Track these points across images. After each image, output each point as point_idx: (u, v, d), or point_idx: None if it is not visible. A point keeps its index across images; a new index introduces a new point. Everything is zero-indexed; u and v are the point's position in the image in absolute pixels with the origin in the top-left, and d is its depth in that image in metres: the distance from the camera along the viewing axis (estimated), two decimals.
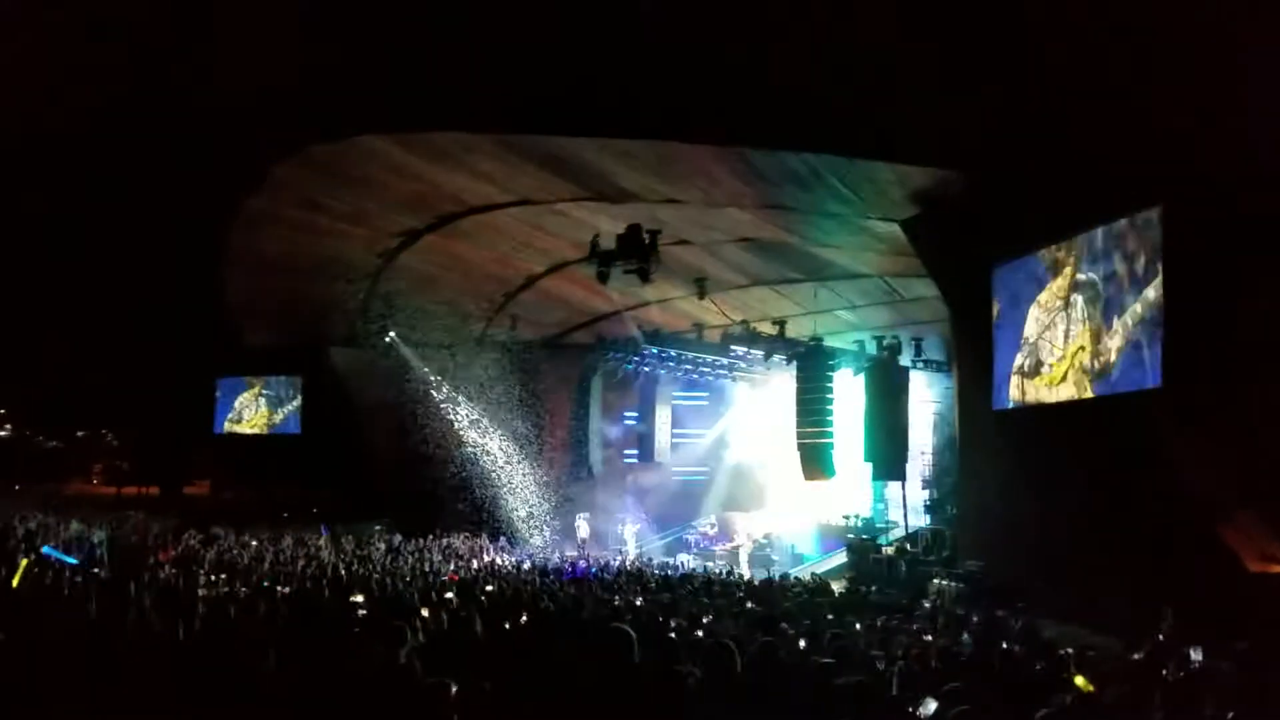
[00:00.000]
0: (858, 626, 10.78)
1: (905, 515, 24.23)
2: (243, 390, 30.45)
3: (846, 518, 25.24)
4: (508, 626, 8.08)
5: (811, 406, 22.57)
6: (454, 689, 4.68)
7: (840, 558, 23.69)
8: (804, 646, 7.96)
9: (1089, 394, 13.25)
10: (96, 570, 12.87)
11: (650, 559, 24.35)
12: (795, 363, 23.55)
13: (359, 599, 9.61)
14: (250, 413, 30.27)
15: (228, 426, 30.46)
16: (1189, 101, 10.71)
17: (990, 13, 10.99)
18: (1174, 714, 5.98)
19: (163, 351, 26.31)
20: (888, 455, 22.09)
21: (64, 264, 22.41)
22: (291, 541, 20.27)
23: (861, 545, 22.52)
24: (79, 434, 37.11)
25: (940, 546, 20.15)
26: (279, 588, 11.80)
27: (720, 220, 18.01)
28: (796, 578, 18.83)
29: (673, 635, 7.88)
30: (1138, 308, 12.27)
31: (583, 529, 26.79)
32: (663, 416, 31.19)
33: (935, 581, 17.51)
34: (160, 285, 23.18)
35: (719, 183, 15.37)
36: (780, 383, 27.44)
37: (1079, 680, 6.77)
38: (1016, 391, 14.97)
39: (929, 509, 23.91)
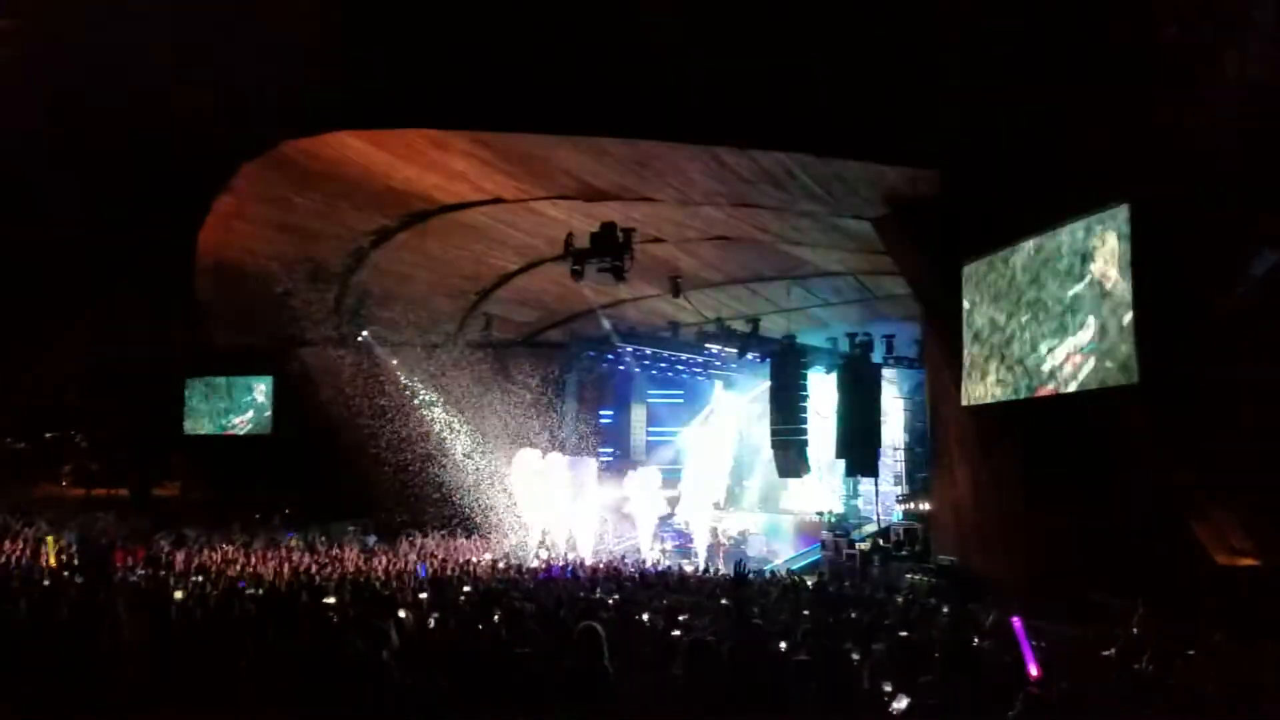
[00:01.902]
0: (832, 622, 10.83)
1: (878, 510, 24.41)
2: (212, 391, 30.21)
3: (821, 514, 25.38)
4: (481, 627, 8.06)
5: (785, 404, 22.68)
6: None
7: (815, 554, 23.81)
8: (779, 643, 7.99)
9: (1059, 390, 13.37)
10: (67, 573, 12.74)
11: (625, 556, 24.36)
12: (769, 360, 23.65)
13: (331, 600, 9.55)
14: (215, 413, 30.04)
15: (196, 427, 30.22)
16: (1156, 99, 10.84)
17: (959, 12, 11.08)
18: (1144, 707, 6.07)
19: (132, 352, 26.01)
20: (861, 451, 22.25)
21: (33, 264, 22.12)
22: (263, 543, 20.13)
23: (835, 541, 22.64)
24: (47, 435, 36.60)
25: (913, 541, 20.31)
26: (251, 590, 11.71)
27: (694, 218, 18.05)
28: (772, 574, 18.90)
29: (648, 633, 7.91)
30: (1108, 304, 12.39)
31: (562, 528, 26.74)
32: (638, 414, 31.22)
33: (908, 576, 17.66)
34: (128, 284, 22.93)
35: (693, 181, 15.40)
36: (754, 380, 27.54)
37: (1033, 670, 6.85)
38: (987, 387, 15.10)
39: (902, 504, 24.10)
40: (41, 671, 5.58)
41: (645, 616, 9.79)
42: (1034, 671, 6.88)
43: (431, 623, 8.29)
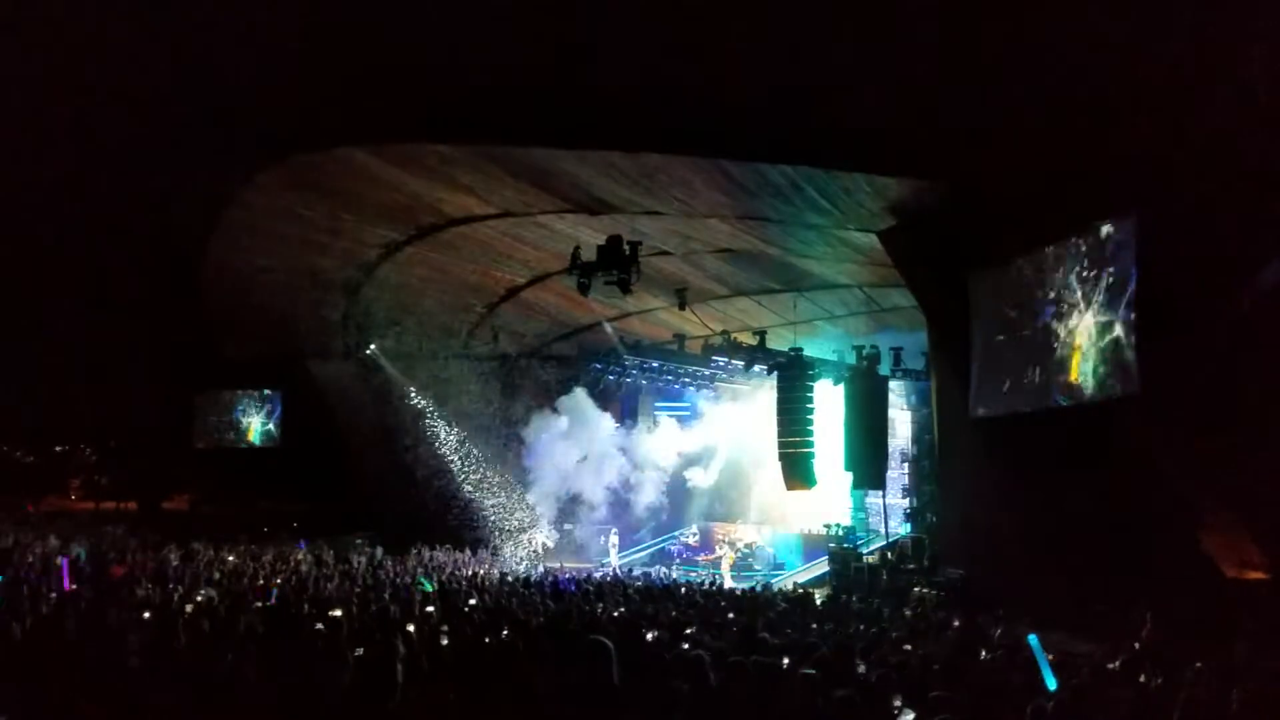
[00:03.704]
0: (839, 635, 10.80)
1: (886, 524, 24.35)
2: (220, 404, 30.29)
3: (828, 527, 25.29)
4: (488, 640, 8.06)
5: (792, 416, 22.62)
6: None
7: (822, 567, 23.75)
8: (786, 658, 7.98)
9: (1067, 400, 13.36)
10: (76, 587, 12.75)
11: (632, 570, 24.34)
12: (776, 373, 23.62)
13: (338, 613, 9.57)
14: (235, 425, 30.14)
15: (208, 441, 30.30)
16: (1162, 110, 10.85)
17: (965, 25, 11.11)
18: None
19: (140, 364, 26.10)
20: (868, 464, 22.18)
21: (41, 275, 22.23)
22: (272, 556, 20.12)
23: (843, 554, 22.57)
24: (56, 449, 36.73)
25: (921, 554, 20.24)
26: (258, 603, 11.71)
27: (700, 231, 18.08)
28: (779, 588, 18.86)
29: (655, 648, 7.90)
30: (1114, 314, 12.39)
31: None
32: (645, 427, 31.19)
33: (916, 590, 17.60)
34: (138, 297, 23.02)
35: (698, 194, 15.44)
36: (761, 393, 27.52)
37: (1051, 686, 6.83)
38: (994, 398, 15.08)
39: (909, 517, 24.02)
40: (47, 686, 5.61)
41: (651, 634, 9.76)
42: (1052, 686, 6.87)
43: (444, 640, 8.28)
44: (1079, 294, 13.07)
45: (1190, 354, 11.52)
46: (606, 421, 28.43)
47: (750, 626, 10.08)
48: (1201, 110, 10.51)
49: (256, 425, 29.77)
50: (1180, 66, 10.30)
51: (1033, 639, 7.75)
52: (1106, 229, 12.51)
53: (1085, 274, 12.94)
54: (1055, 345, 13.55)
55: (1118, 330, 12.29)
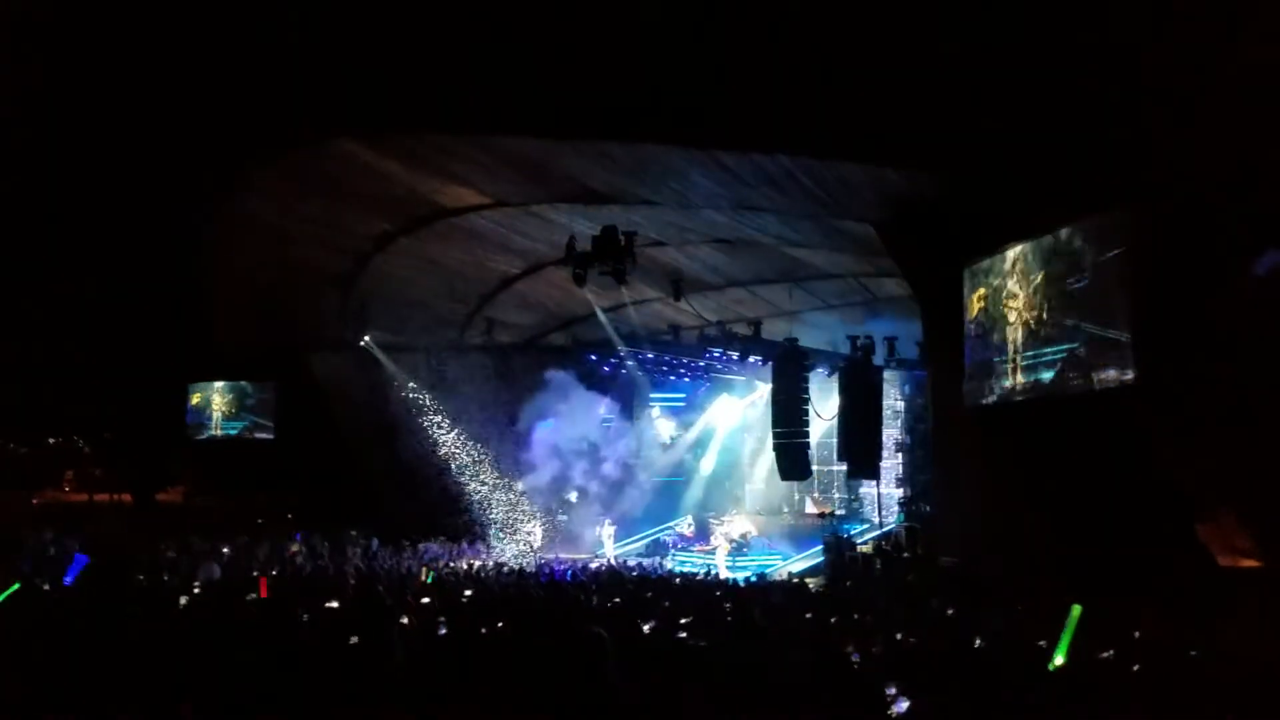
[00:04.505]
0: (834, 624, 10.84)
1: (880, 513, 24.44)
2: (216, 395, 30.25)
3: (823, 516, 25.39)
4: (484, 631, 8.09)
5: (787, 407, 22.67)
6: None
7: (816, 556, 23.82)
8: (781, 647, 8.01)
9: (1060, 390, 13.38)
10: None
11: (627, 560, 24.39)
12: (771, 363, 23.65)
13: (334, 605, 9.59)
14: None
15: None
16: (1160, 99, 10.84)
17: (960, 14, 11.09)
18: (1142, 710, 6.08)
19: (135, 357, 26.05)
20: (863, 454, 22.25)
21: (34, 267, 22.16)
22: (267, 548, 20.15)
23: (837, 544, 22.66)
24: (50, 441, 36.65)
25: (915, 543, 20.32)
26: (253, 594, 11.73)
27: (695, 221, 18.07)
28: (774, 577, 18.92)
29: (651, 638, 7.93)
30: (1109, 304, 12.41)
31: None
32: (640, 418, 31.24)
33: (910, 578, 17.68)
34: (132, 289, 22.96)
35: (694, 184, 15.42)
36: (756, 383, 27.58)
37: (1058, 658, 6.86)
38: (988, 388, 15.11)
39: (904, 506, 24.10)
40: (53, 677, 5.62)
41: (647, 625, 9.80)
42: (1060, 658, 6.92)
43: (443, 630, 8.31)
44: (1075, 284, 13.08)
45: (1188, 345, 11.54)
46: (602, 413, 28.44)
47: (746, 616, 10.12)
48: (1201, 101, 10.51)
49: (252, 416, 29.73)
50: (1179, 58, 10.29)
51: (1076, 609, 7.75)
52: (1103, 218, 12.52)
53: (1081, 264, 12.95)
54: (1050, 335, 13.57)
55: (1114, 320, 12.31)
